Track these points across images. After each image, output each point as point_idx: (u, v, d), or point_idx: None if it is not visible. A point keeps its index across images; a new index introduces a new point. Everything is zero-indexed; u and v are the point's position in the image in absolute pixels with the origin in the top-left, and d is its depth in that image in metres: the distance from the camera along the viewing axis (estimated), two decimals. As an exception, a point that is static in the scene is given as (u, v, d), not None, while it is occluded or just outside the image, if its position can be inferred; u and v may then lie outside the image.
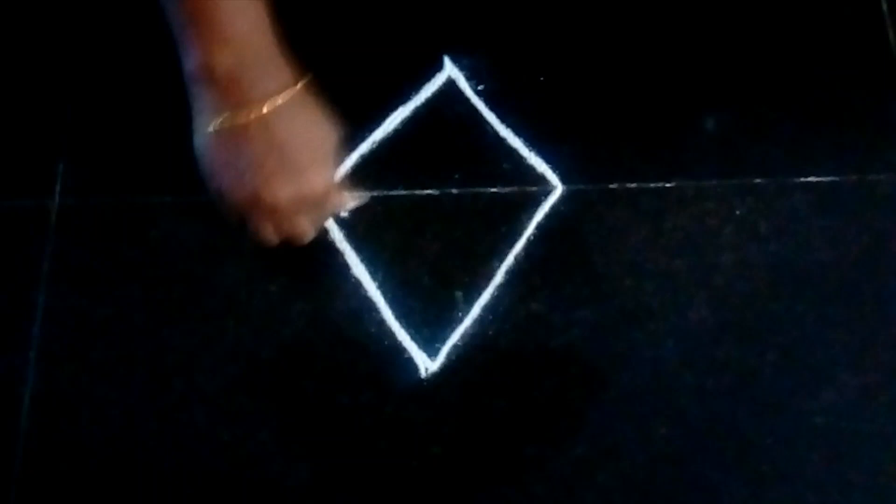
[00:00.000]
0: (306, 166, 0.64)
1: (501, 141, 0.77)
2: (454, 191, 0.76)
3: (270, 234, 0.66)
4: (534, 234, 0.75)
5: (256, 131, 0.61)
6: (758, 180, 0.76)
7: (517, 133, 0.77)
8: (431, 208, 0.76)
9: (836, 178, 0.76)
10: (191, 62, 0.60)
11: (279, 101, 0.61)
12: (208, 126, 0.61)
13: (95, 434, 0.70)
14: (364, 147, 0.77)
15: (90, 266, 0.74)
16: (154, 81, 0.80)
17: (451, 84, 0.79)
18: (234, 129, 0.61)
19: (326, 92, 0.66)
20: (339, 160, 0.68)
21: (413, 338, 0.72)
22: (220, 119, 0.61)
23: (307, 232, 0.68)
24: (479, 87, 0.79)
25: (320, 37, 0.79)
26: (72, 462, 0.69)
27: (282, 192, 0.63)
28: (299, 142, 0.63)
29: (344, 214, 0.75)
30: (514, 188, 0.76)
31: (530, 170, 0.77)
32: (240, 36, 0.59)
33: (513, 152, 0.77)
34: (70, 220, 0.76)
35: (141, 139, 0.78)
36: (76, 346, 0.72)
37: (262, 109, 0.60)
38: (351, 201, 0.73)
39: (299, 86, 0.63)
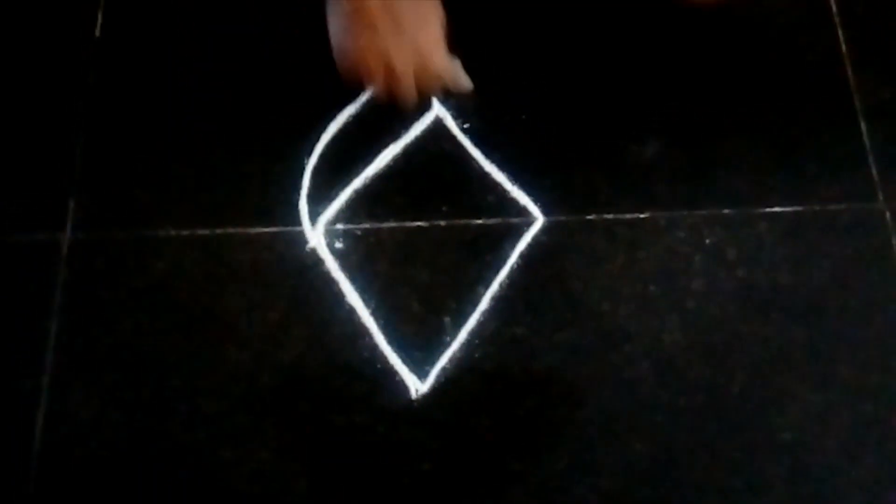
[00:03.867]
0: (418, 33, 0.72)
1: (486, 176, 0.81)
2: (442, 223, 0.80)
3: (381, 93, 0.75)
4: (517, 263, 0.78)
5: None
6: (725, 211, 0.80)
7: (501, 168, 0.81)
8: (421, 239, 0.79)
9: (799, 208, 0.80)
10: None
11: None
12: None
13: (105, 454, 0.73)
14: (357, 182, 0.81)
15: (100, 296, 0.77)
16: (160, 121, 0.84)
17: (438, 123, 0.83)
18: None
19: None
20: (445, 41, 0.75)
21: (404, 361, 0.75)
22: None
23: (411, 95, 0.75)
24: (465, 126, 0.83)
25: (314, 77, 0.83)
26: (83, 480, 0.72)
27: (397, 52, 0.71)
28: (413, 14, 0.71)
29: (338, 247, 0.79)
30: (499, 220, 0.80)
31: (513, 202, 0.80)
32: None
33: (497, 186, 0.81)
34: (81, 252, 0.79)
35: (148, 176, 0.82)
36: (86, 371, 0.75)
37: None
38: (462, 79, 0.79)
39: None
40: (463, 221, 0.80)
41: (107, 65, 0.86)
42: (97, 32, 0.87)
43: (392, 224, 0.80)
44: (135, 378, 0.75)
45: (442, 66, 0.76)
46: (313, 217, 0.80)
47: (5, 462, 0.72)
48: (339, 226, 0.80)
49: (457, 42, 0.78)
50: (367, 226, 0.80)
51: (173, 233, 0.79)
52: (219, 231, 0.80)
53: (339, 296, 0.77)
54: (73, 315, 0.77)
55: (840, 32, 0.87)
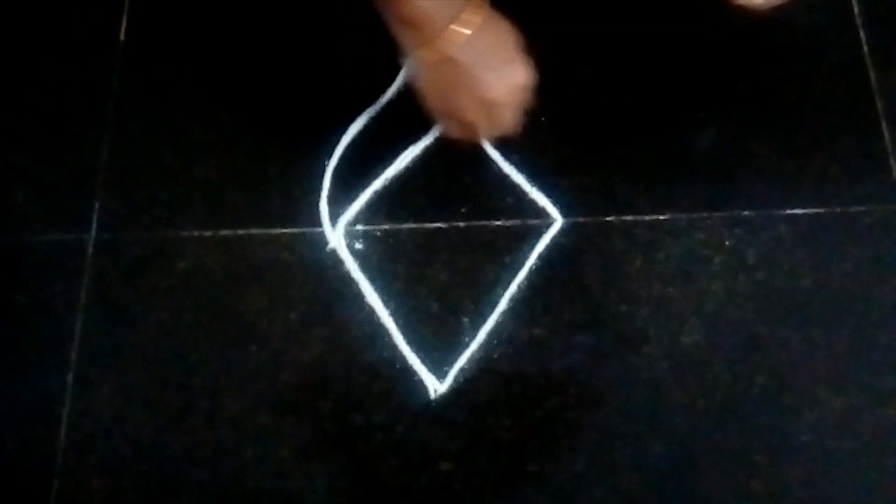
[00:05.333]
0: (490, 83, 0.71)
1: (505, 177, 0.82)
2: (461, 224, 0.80)
3: (459, 134, 0.76)
4: (535, 264, 0.79)
5: (448, 61, 0.69)
6: (746, 213, 0.80)
7: (520, 170, 0.82)
8: (440, 240, 0.80)
9: (820, 210, 0.80)
10: (393, 10, 0.68)
11: (465, 32, 0.68)
12: (414, 59, 0.70)
13: (128, 451, 0.74)
14: (377, 183, 0.82)
15: (123, 296, 0.79)
16: (183, 123, 0.85)
17: (458, 125, 0.84)
18: (433, 60, 0.69)
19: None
20: (525, 62, 0.73)
21: (423, 361, 0.76)
22: (422, 53, 0.69)
23: (493, 130, 0.75)
24: (485, 128, 0.83)
25: (334, 81, 0.84)
26: (106, 477, 0.73)
27: (470, 109, 0.72)
28: (485, 60, 0.70)
29: (358, 248, 0.79)
30: (517, 221, 0.80)
31: (532, 204, 0.81)
32: None
33: (516, 188, 0.81)
34: (105, 253, 0.80)
35: (171, 178, 0.83)
36: (110, 369, 0.76)
37: (450, 44, 0.68)
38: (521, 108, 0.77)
39: (482, 13, 0.69)
40: (482, 223, 0.80)
41: (131, 68, 0.87)
42: (121, 36, 0.89)
43: (411, 225, 0.80)
44: (158, 376, 0.76)
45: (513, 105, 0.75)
46: (334, 218, 0.81)
47: (31, 458, 0.74)
48: (359, 227, 0.80)
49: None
50: (386, 227, 0.80)
51: (196, 233, 0.81)
52: (240, 232, 0.80)
53: (358, 296, 0.78)
54: (97, 314, 0.78)
55: (862, 34, 0.87)
